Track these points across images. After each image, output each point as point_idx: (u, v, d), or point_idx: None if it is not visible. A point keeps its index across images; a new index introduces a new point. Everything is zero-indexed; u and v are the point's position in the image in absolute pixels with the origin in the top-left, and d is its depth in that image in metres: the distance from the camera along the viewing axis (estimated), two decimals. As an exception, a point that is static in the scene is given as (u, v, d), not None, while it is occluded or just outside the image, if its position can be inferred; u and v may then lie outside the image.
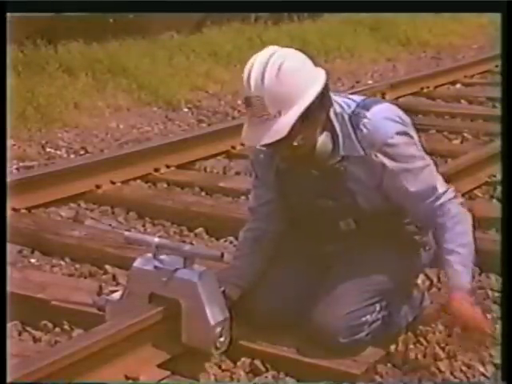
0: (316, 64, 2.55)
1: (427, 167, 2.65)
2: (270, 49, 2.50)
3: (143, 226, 4.17)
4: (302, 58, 2.52)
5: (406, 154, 2.59)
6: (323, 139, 2.58)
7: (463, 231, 2.62)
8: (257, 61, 2.46)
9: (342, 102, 2.63)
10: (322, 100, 2.51)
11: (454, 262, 2.58)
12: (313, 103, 2.46)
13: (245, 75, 2.46)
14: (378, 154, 2.56)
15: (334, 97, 2.63)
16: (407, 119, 2.69)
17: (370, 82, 8.42)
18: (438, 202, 2.61)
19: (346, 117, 2.59)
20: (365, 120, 2.57)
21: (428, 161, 2.68)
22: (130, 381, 2.57)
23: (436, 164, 2.79)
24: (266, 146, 2.55)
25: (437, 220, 2.62)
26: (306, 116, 2.45)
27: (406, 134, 2.60)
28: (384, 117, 2.59)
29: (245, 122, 2.53)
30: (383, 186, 2.62)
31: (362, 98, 2.69)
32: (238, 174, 5.11)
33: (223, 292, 2.69)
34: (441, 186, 2.64)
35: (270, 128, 2.43)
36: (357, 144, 2.58)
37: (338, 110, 2.61)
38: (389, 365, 2.68)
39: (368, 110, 2.59)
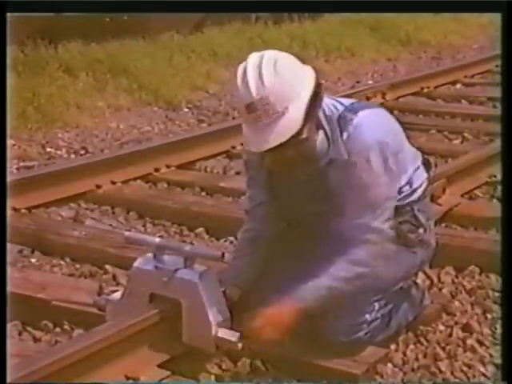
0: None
1: (382, 198, 2.57)
2: (255, 54, 2.48)
3: (143, 226, 4.17)
4: (288, 54, 2.52)
5: (373, 171, 2.54)
6: (322, 137, 2.58)
7: (354, 262, 2.56)
8: (248, 66, 2.43)
9: (331, 105, 2.62)
10: (318, 93, 2.50)
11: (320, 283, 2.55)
12: (312, 94, 2.46)
13: (239, 83, 2.42)
14: (352, 160, 2.55)
15: (325, 98, 2.61)
16: (394, 126, 2.67)
17: (370, 81, 8.41)
18: (358, 234, 2.55)
19: (335, 119, 2.59)
20: (349, 125, 2.56)
21: (386, 193, 2.59)
22: (131, 381, 2.57)
23: (435, 165, 2.79)
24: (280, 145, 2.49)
25: (347, 246, 2.57)
26: (309, 108, 2.45)
27: (384, 145, 2.56)
28: (367, 124, 2.57)
29: (246, 130, 2.50)
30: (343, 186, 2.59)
31: (352, 101, 2.68)
32: (238, 173, 5.10)
33: (223, 292, 2.69)
34: (373, 221, 2.56)
35: (282, 125, 2.41)
36: (342, 147, 2.57)
37: (328, 112, 2.60)
38: (389, 365, 2.69)
39: (355, 113, 2.58)
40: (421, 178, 2.77)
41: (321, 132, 2.58)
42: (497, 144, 4.77)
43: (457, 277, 3.39)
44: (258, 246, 2.82)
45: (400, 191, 2.68)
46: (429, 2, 10.12)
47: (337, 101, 2.65)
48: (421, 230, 2.77)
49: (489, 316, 3.04)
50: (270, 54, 2.47)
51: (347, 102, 2.66)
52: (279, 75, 2.41)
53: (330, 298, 2.58)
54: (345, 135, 2.56)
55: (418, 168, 2.78)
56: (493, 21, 10.30)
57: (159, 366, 2.65)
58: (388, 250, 2.61)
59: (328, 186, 2.62)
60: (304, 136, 2.49)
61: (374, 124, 2.59)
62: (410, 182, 2.72)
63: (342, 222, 2.60)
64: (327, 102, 2.62)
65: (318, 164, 2.61)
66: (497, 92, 6.04)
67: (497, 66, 8.52)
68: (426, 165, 2.83)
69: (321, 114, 2.58)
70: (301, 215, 2.75)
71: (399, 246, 2.73)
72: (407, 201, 2.71)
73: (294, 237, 2.82)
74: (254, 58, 2.46)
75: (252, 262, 2.81)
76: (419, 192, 2.75)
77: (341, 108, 2.61)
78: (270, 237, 2.84)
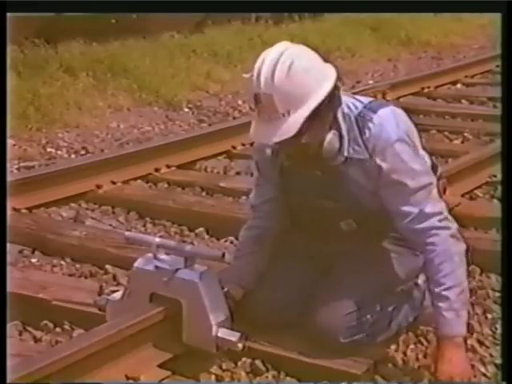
0: (326, 61, 2.53)
1: (424, 187, 2.57)
2: (281, 45, 2.47)
3: (144, 225, 4.17)
4: (312, 56, 2.50)
5: (405, 165, 2.55)
6: (331, 137, 2.56)
7: (450, 271, 2.53)
8: (268, 58, 2.43)
9: (350, 103, 2.61)
10: (332, 99, 2.49)
11: (443, 309, 2.52)
12: (322, 102, 2.44)
13: (255, 71, 2.43)
14: (377, 159, 2.55)
15: (343, 97, 2.61)
16: (411, 125, 2.67)
17: (370, 82, 8.42)
18: (421, 226, 2.54)
19: (353, 118, 2.58)
20: (370, 123, 2.55)
21: (428, 179, 2.60)
22: (131, 381, 2.57)
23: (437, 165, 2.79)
24: (274, 143, 2.53)
25: (424, 252, 2.57)
26: (315, 115, 2.44)
27: (407, 141, 2.57)
28: (388, 121, 2.57)
29: (253, 119, 2.50)
30: (378, 191, 2.60)
31: (370, 99, 2.67)
32: (238, 173, 5.11)
33: (226, 292, 2.69)
34: (432, 209, 2.56)
35: (279, 127, 2.41)
36: (362, 146, 2.56)
37: (346, 110, 2.59)
38: (389, 365, 2.68)
39: (375, 112, 2.58)
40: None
41: (331, 132, 2.56)
42: (497, 144, 4.77)
43: (457, 277, 3.39)
44: (261, 244, 2.83)
45: None
46: (429, 2, 10.15)
47: (356, 99, 2.64)
48: None
49: (489, 316, 3.04)
50: (290, 52, 2.44)
51: (365, 100, 2.65)
52: (290, 78, 2.40)
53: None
54: (366, 134, 2.55)
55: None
56: (493, 21, 10.30)
57: (159, 366, 2.65)
58: (452, 227, 2.58)
59: (344, 184, 2.62)
60: (303, 141, 2.48)
61: (396, 121, 2.59)
62: None
63: (369, 216, 2.61)
64: (346, 100, 2.61)
65: (332, 162, 2.60)
66: (497, 92, 6.05)
67: (497, 65, 8.53)
68: (433, 168, 2.82)
69: (339, 113, 2.58)
70: (311, 212, 2.75)
71: (402, 248, 2.74)
72: None
73: (301, 235, 2.83)
74: (275, 50, 2.45)
75: (254, 262, 2.81)
76: None
77: (360, 106, 2.60)
78: (275, 235, 2.84)
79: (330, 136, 2.56)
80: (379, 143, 2.54)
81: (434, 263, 2.54)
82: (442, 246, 2.54)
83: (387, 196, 2.59)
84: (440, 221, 2.56)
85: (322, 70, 2.49)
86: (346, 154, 2.58)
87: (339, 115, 2.58)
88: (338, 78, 2.50)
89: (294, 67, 2.41)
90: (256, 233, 2.85)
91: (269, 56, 2.43)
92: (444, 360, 2.50)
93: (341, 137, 2.58)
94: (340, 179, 2.62)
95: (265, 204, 2.83)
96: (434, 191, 2.62)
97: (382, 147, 2.54)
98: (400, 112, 2.65)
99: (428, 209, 2.55)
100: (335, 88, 2.49)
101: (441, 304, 2.52)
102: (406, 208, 2.56)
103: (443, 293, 2.52)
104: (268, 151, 2.72)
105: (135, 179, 4.88)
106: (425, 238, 2.55)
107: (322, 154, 2.58)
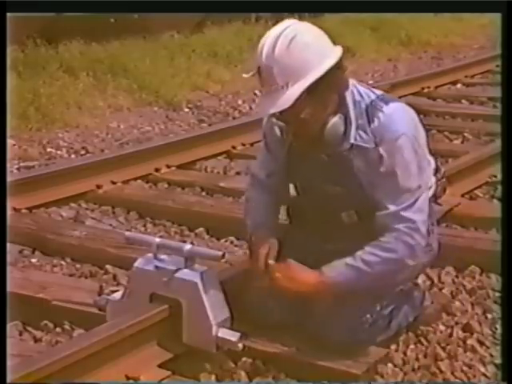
0: (335, 43, 2.56)
1: (412, 190, 2.57)
2: (287, 21, 2.54)
3: (144, 225, 4.17)
4: (316, 33, 2.54)
5: (403, 162, 2.55)
6: (335, 121, 2.57)
7: (381, 257, 2.56)
8: (272, 32, 2.51)
9: (363, 92, 2.63)
10: (334, 79, 2.52)
11: (346, 260, 2.58)
12: (322, 80, 2.47)
13: (259, 45, 2.52)
14: (381, 148, 2.56)
15: (357, 85, 2.65)
16: (421, 126, 2.68)
17: (370, 81, 8.40)
18: (389, 224, 2.56)
19: (364, 106, 2.60)
20: (380, 112, 2.57)
21: (418, 183, 2.59)
22: (131, 381, 2.57)
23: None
24: (273, 115, 2.60)
25: (378, 234, 2.59)
26: (313, 91, 2.47)
27: (412, 139, 2.58)
28: (399, 114, 2.60)
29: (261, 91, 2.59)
30: (373, 179, 2.60)
31: (383, 93, 2.69)
32: (238, 173, 5.12)
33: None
34: (408, 215, 2.56)
35: (278, 98, 2.46)
36: (370, 135, 2.57)
37: (358, 98, 2.61)
38: (389, 365, 2.68)
39: (387, 103, 2.60)
40: (431, 180, 2.77)
41: (337, 116, 2.58)
42: (497, 144, 4.77)
43: (457, 277, 3.39)
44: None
45: None
46: (429, 2, 10.14)
47: (370, 90, 2.66)
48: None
49: (489, 316, 3.04)
50: (294, 27, 2.50)
51: (379, 92, 2.67)
52: (290, 51, 2.45)
53: (355, 281, 2.59)
54: (375, 123, 2.57)
55: (431, 171, 2.78)
56: (493, 21, 10.29)
57: (159, 365, 2.65)
58: (417, 241, 2.58)
59: (348, 171, 2.62)
60: (302, 116, 2.51)
61: (406, 117, 2.61)
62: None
63: (371, 208, 2.61)
64: (359, 89, 2.64)
65: (337, 147, 2.61)
66: (497, 92, 6.05)
67: (497, 65, 8.53)
68: (436, 169, 2.83)
69: (348, 99, 2.60)
70: (313, 199, 2.76)
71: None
72: None
73: (300, 231, 2.84)
74: (280, 26, 2.52)
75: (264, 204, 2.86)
76: (428, 194, 2.74)
77: (373, 96, 2.62)
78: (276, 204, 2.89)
79: (335, 119, 2.58)
80: (387, 134, 2.55)
81: (378, 244, 2.57)
82: (394, 247, 2.56)
83: (377, 184, 2.60)
84: (408, 228, 2.57)
85: (326, 47, 2.53)
86: (352, 140, 2.59)
87: (349, 101, 2.60)
88: (342, 59, 2.53)
89: (296, 41, 2.46)
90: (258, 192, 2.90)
91: (273, 30, 2.51)
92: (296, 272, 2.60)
93: (348, 123, 2.59)
94: (344, 166, 2.63)
95: (269, 177, 2.86)
96: (422, 198, 2.60)
97: (389, 138, 2.55)
98: (412, 111, 2.68)
99: (404, 213, 2.56)
100: (338, 67, 2.52)
101: (349, 257, 2.57)
102: (386, 202, 2.58)
103: (360, 254, 2.56)
104: (277, 130, 2.75)
105: (135, 179, 4.88)
106: (385, 235, 2.57)
107: (325, 137, 2.59)
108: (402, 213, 2.56)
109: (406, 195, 2.57)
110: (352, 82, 2.65)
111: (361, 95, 2.62)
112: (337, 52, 2.54)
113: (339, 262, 2.60)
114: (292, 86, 2.45)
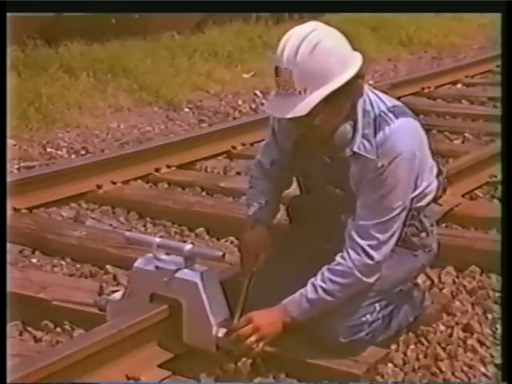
0: (355, 49, 2.54)
1: (391, 210, 2.55)
2: (312, 24, 2.50)
3: (144, 226, 4.17)
4: (340, 40, 2.51)
5: (394, 180, 2.53)
6: (346, 127, 2.56)
7: (336, 281, 2.57)
8: (295, 34, 2.45)
9: (374, 101, 2.60)
10: (352, 88, 2.49)
11: (306, 291, 2.57)
12: (340, 89, 2.44)
13: (280, 45, 2.45)
14: (380, 162, 2.53)
15: (370, 93, 2.61)
16: (424, 137, 2.67)
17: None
18: (354, 235, 2.55)
19: (372, 116, 2.57)
20: (387, 126, 2.54)
21: (401, 204, 2.56)
22: (131, 381, 2.57)
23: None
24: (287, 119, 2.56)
25: (341, 255, 2.58)
26: (331, 99, 2.44)
27: (412, 159, 2.55)
28: (406, 131, 2.56)
29: (272, 90, 2.54)
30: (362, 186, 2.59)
31: (394, 102, 2.65)
32: (238, 174, 5.11)
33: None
34: (376, 233, 2.54)
35: (294, 103, 2.42)
36: (373, 146, 2.54)
37: (368, 107, 2.58)
38: (390, 365, 2.68)
39: (396, 117, 2.56)
40: (433, 185, 2.76)
41: (348, 123, 2.56)
42: (497, 144, 4.77)
43: (457, 277, 3.39)
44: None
45: (413, 197, 2.66)
46: (429, 2, 10.13)
47: (380, 99, 2.63)
48: (424, 234, 2.77)
49: (489, 316, 3.04)
50: (319, 32, 2.45)
51: (390, 102, 2.64)
52: (313, 57, 2.41)
53: (319, 310, 2.59)
54: (380, 135, 2.54)
55: (433, 176, 2.77)
56: (493, 21, 10.30)
57: (160, 366, 2.65)
58: (374, 260, 2.56)
59: (346, 175, 2.61)
60: (316, 123, 2.49)
61: (410, 133, 2.58)
62: (423, 190, 2.71)
63: (350, 217, 2.60)
64: (371, 97, 2.60)
65: (340, 152, 2.60)
66: (497, 92, 6.05)
67: (497, 65, 8.53)
68: (439, 173, 2.82)
69: (359, 107, 2.57)
70: (317, 198, 2.77)
71: (402, 248, 2.73)
72: (416, 205, 2.69)
73: (301, 231, 2.85)
74: (305, 28, 2.46)
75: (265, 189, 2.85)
76: (429, 198, 2.74)
77: (383, 107, 2.59)
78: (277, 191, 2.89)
79: (346, 126, 2.56)
80: (388, 149, 2.52)
81: (336, 268, 2.57)
82: (350, 271, 2.56)
83: (361, 193, 2.58)
84: (370, 247, 2.55)
85: (348, 56, 2.50)
86: (355, 148, 2.57)
87: (359, 109, 2.58)
88: (363, 68, 2.50)
89: (320, 47, 2.42)
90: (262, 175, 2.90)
91: (297, 32, 2.46)
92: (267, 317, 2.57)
93: (355, 130, 2.57)
94: (344, 170, 2.61)
95: (273, 166, 2.85)
96: (397, 217, 2.57)
97: (389, 154, 2.52)
98: (417, 124, 2.64)
99: (373, 230, 2.55)
100: (358, 77, 2.50)
101: (307, 288, 2.57)
102: (361, 213, 2.56)
103: (319, 284, 2.56)
104: (286, 121, 2.70)
105: (135, 179, 4.88)
106: (348, 246, 2.57)
107: (334, 142, 2.58)
108: (371, 229, 2.54)
109: (384, 213, 2.55)
110: (366, 89, 2.61)
111: (371, 105, 2.59)
112: (358, 60, 2.51)
113: (300, 298, 2.58)
114: (311, 93, 2.41)
